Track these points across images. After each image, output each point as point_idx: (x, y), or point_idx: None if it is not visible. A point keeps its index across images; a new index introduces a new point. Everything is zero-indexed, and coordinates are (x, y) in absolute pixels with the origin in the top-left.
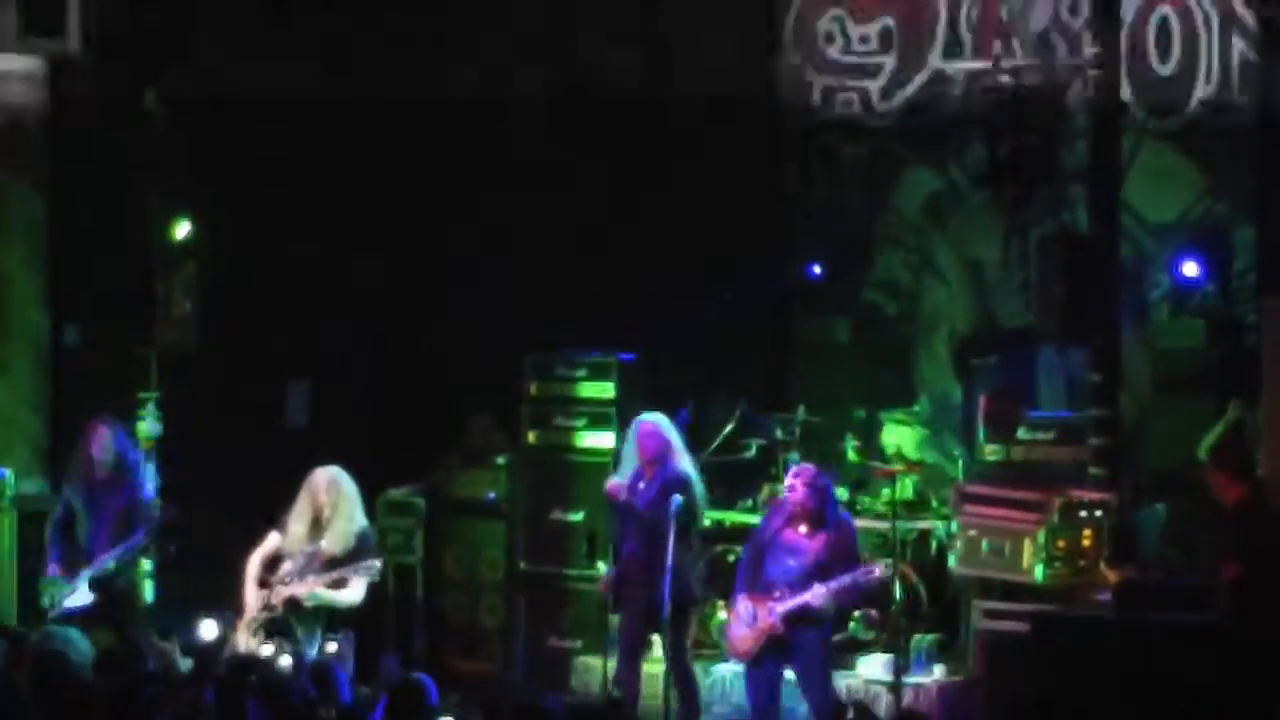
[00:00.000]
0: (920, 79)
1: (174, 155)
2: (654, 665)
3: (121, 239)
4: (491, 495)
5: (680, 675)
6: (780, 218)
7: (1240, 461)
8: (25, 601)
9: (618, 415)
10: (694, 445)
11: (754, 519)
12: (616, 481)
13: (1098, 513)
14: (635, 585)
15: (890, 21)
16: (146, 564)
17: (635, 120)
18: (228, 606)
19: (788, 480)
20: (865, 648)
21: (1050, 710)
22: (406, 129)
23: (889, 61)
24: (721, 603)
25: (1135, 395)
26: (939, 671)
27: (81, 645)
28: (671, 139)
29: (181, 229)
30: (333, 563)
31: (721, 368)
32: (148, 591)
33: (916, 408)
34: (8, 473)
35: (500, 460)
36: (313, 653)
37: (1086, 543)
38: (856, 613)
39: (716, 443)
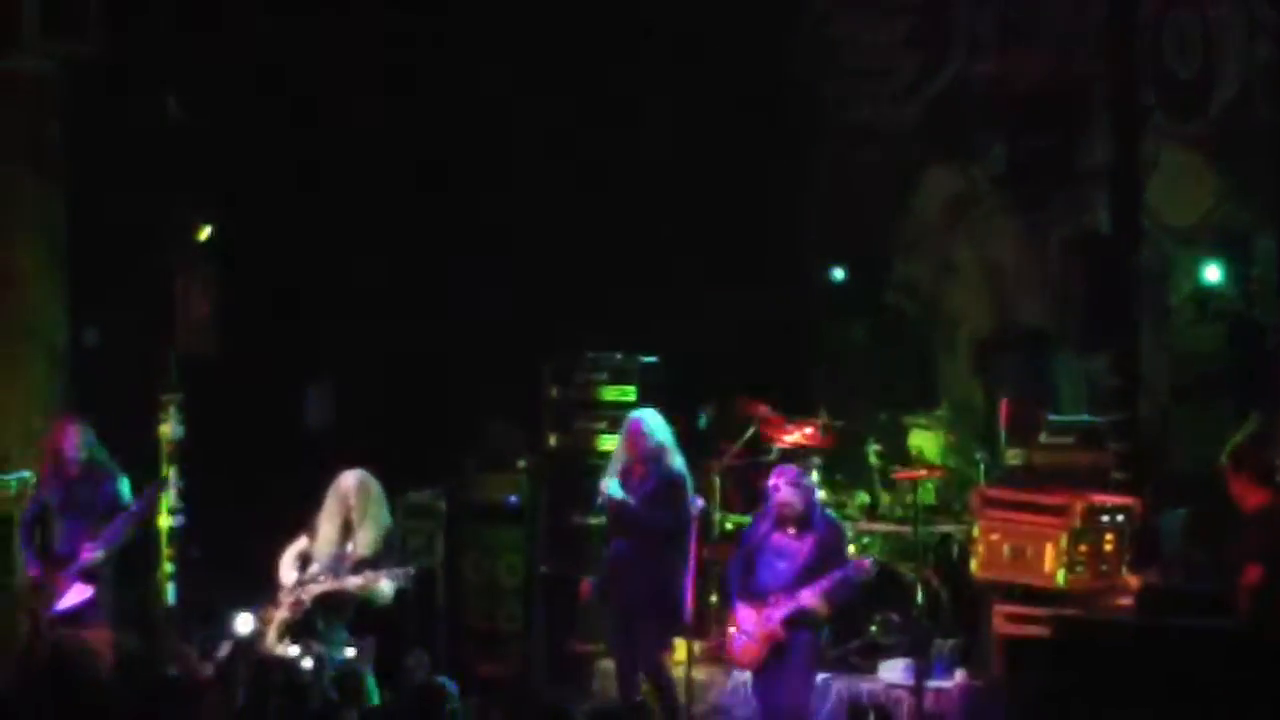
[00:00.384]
0: (940, 81)
1: (194, 157)
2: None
3: (141, 240)
4: (512, 499)
5: (658, 677)
6: (802, 220)
7: (1261, 467)
8: None
9: None
10: (714, 449)
11: None
12: (611, 497)
13: (1119, 517)
14: (623, 583)
15: (911, 23)
16: (169, 567)
17: (659, 122)
18: (255, 605)
19: (771, 481)
20: (886, 652)
21: (1071, 714)
22: (429, 129)
23: (909, 63)
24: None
25: (1155, 399)
26: (960, 675)
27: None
28: (694, 140)
29: (203, 232)
30: (362, 564)
31: (743, 371)
32: (169, 593)
33: (939, 412)
34: (28, 474)
35: (521, 464)
36: (341, 652)
37: (1108, 547)
38: (878, 616)
39: (737, 446)
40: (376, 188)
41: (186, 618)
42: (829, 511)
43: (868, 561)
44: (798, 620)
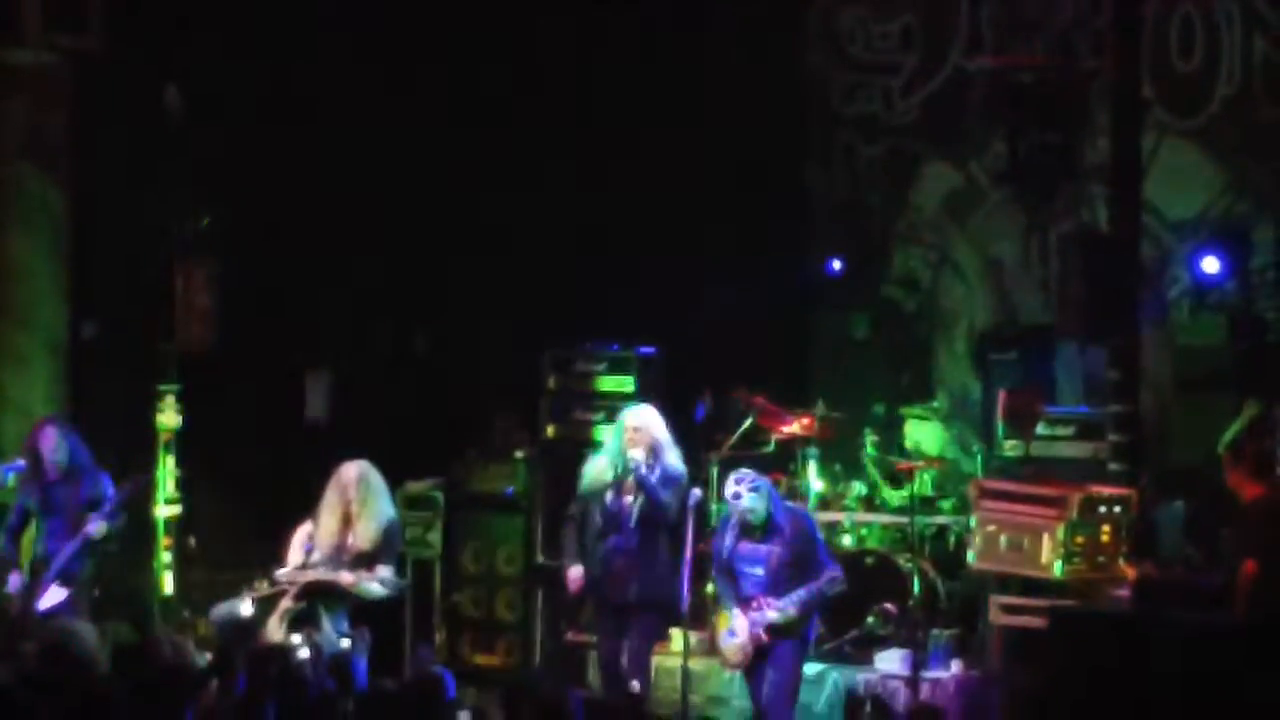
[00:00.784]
0: (941, 76)
1: (194, 150)
2: (670, 659)
3: (141, 233)
4: (510, 489)
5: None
6: (800, 214)
7: (1258, 459)
8: None
9: None
10: (712, 440)
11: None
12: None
13: (1117, 508)
14: (620, 581)
15: (911, 19)
16: (166, 557)
17: (658, 115)
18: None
19: (730, 489)
20: (883, 642)
21: (1068, 706)
22: (427, 122)
23: (910, 59)
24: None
25: (1155, 392)
26: (956, 666)
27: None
28: (694, 130)
29: (202, 223)
30: (361, 557)
31: (741, 362)
32: (166, 583)
33: (935, 403)
34: (27, 466)
35: (519, 454)
36: (338, 639)
37: (1105, 538)
38: (874, 607)
39: (735, 438)
40: (375, 180)
41: (183, 607)
42: (788, 504)
43: (838, 571)
44: (779, 627)
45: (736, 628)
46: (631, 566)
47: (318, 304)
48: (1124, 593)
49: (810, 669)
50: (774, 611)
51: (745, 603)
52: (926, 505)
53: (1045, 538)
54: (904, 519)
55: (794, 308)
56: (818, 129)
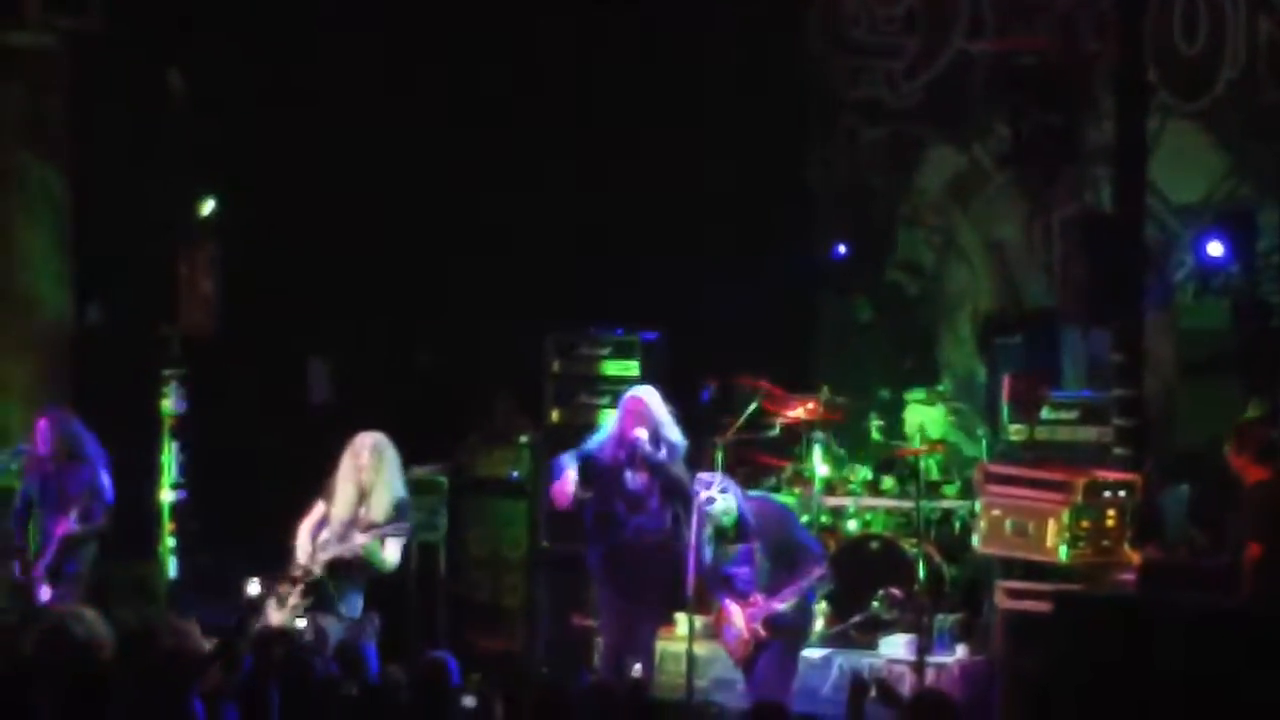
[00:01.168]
0: (944, 59)
1: (196, 134)
2: (675, 644)
3: (144, 218)
4: (514, 474)
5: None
6: (804, 198)
7: (1263, 445)
8: None
9: None
10: (717, 425)
11: (778, 499)
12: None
13: (1122, 493)
14: (636, 563)
15: (914, 2)
16: (170, 542)
17: (661, 101)
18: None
19: (701, 496)
20: (888, 627)
21: (1072, 690)
22: (431, 104)
23: (913, 42)
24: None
25: (1160, 376)
26: (961, 651)
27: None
28: (698, 115)
29: (204, 208)
30: (371, 528)
31: (745, 347)
32: (170, 568)
33: (940, 387)
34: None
35: (523, 439)
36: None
37: (1110, 523)
38: (880, 592)
39: (740, 422)
40: (378, 165)
41: (187, 592)
42: (752, 495)
43: (820, 569)
44: (774, 622)
45: (736, 623)
46: (659, 545)
47: (321, 289)
48: (1129, 577)
49: (815, 653)
50: (780, 602)
51: (743, 598)
52: (931, 490)
53: (1050, 522)
54: (909, 503)
55: (798, 292)
56: (820, 114)
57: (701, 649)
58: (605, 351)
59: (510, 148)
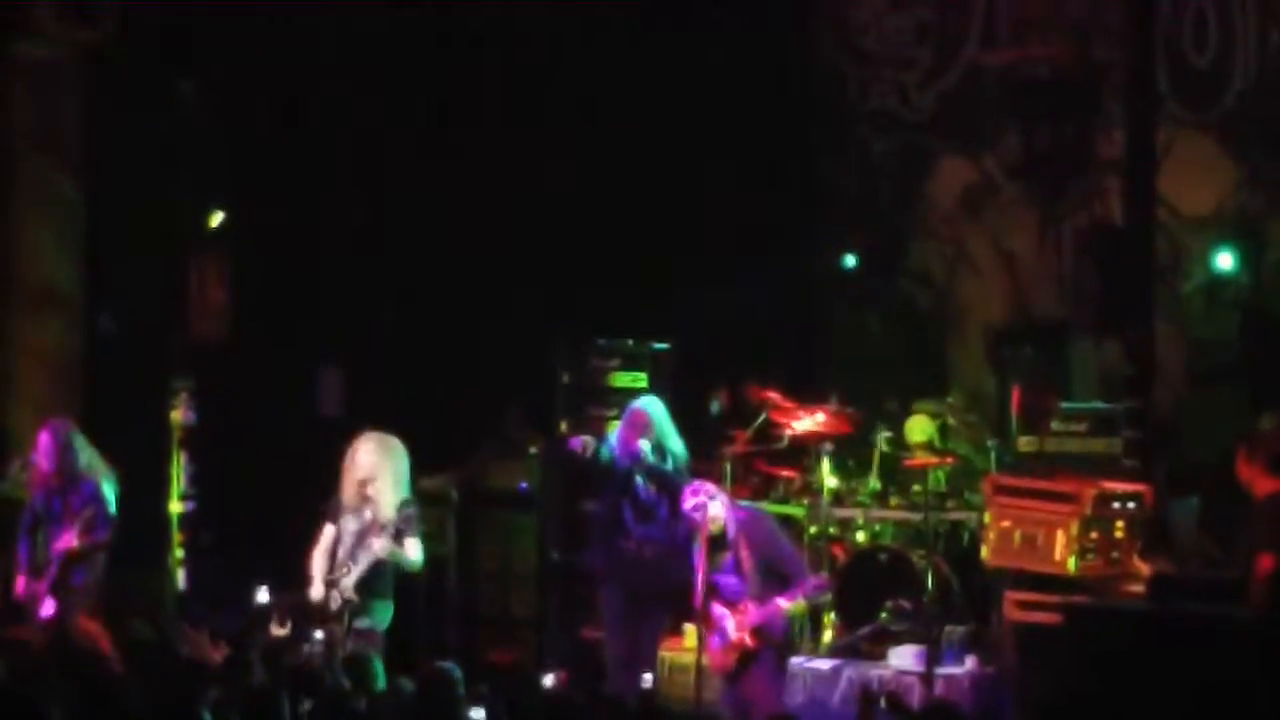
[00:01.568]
0: (956, 71)
1: (208, 144)
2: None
3: (156, 227)
4: (524, 485)
5: (650, 663)
6: (814, 208)
7: (1274, 455)
8: None
9: None
10: (725, 436)
11: (786, 509)
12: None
13: (1131, 504)
14: (648, 569)
15: (926, 14)
16: (180, 552)
17: (671, 108)
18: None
19: (693, 503)
20: (897, 638)
21: (1082, 702)
22: (439, 111)
23: (925, 53)
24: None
25: (1169, 387)
26: (971, 662)
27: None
28: (706, 128)
29: (215, 218)
30: (384, 529)
31: (754, 358)
32: (180, 579)
33: (949, 399)
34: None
35: (533, 450)
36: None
37: (1120, 534)
38: (888, 603)
39: (749, 433)
40: (387, 174)
41: (197, 603)
42: (744, 508)
43: (813, 580)
44: (763, 632)
45: (725, 631)
46: (664, 556)
47: (331, 299)
48: (1138, 588)
49: (824, 664)
50: (769, 612)
51: (732, 606)
52: (940, 501)
53: (1059, 533)
54: (918, 515)
55: (808, 303)
56: (831, 125)
57: (710, 660)
58: (614, 363)
59: (515, 153)
